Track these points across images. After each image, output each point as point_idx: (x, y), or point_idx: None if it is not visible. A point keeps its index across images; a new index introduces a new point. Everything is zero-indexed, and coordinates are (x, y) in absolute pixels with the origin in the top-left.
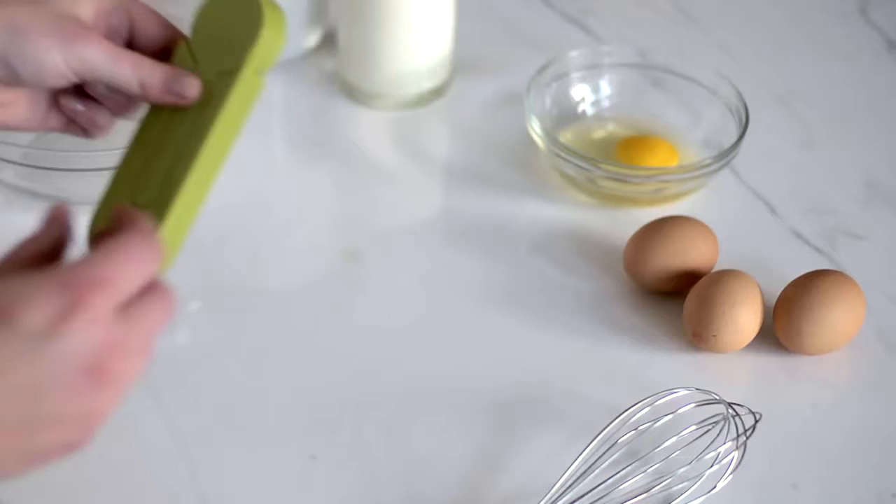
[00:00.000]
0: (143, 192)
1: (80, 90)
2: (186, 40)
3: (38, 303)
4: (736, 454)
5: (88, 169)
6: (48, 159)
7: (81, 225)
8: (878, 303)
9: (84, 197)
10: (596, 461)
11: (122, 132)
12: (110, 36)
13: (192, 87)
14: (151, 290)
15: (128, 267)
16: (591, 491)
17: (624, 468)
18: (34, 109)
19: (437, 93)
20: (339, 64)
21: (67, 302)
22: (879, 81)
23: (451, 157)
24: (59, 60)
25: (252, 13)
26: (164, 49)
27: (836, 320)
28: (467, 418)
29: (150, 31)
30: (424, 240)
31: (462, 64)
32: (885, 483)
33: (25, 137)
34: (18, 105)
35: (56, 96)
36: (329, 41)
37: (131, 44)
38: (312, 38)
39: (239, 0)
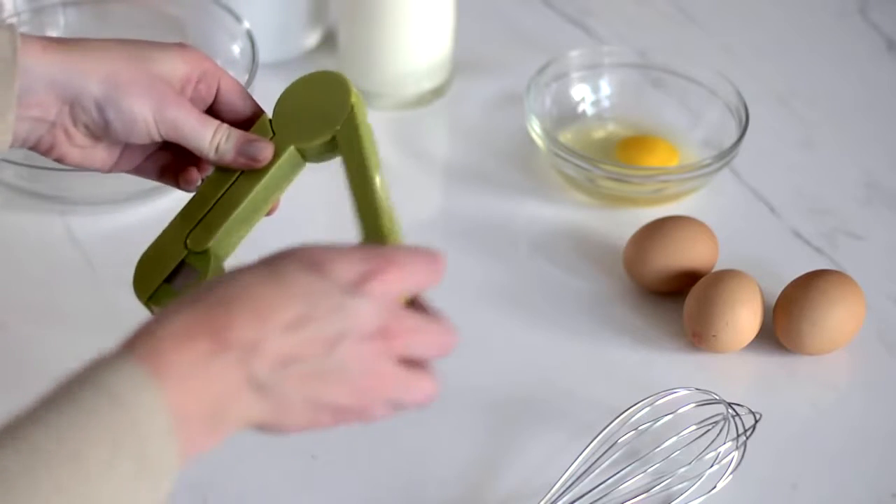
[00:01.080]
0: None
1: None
2: (267, 116)
3: (347, 264)
4: (736, 454)
5: (88, 169)
6: (48, 159)
7: (80, 224)
8: (878, 303)
9: (84, 197)
10: (596, 461)
11: None
12: (195, 102)
13: (265, 151)
14: (437, 317)
15: (417, 266)
16: (591, 491)
17: (624, 468)
18: (111, 155)
19: (437, 93)
20: (339, 64)
21: (369, 269)
22: (879, 81)
23: (451, 157)
24: (150, 120)
25: (340, 95)
26: (245, 122)
27: (836, 320)
28: (467, 418)
29: (234, 103)
30: (424, 240)
31: (462, 64)
32: (885, 483)
33: None
34: (96, 150)
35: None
36: (329, 41)
37: (214, 111)
38: (312, 38)
39: (326, 84)
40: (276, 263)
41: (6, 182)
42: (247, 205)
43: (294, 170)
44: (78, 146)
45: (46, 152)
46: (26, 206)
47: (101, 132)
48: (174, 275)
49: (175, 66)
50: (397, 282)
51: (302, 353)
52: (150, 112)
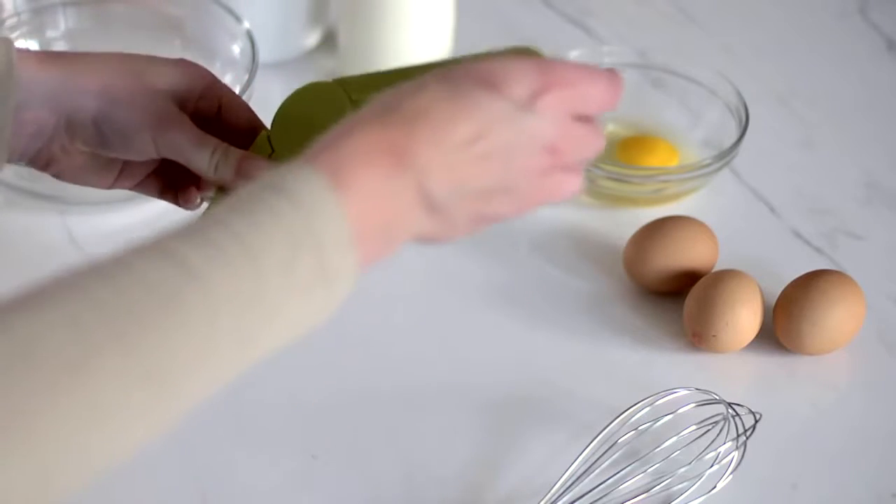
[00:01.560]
0: None
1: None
2: (267, 130)
3: (520, 80)
4: (736, 454)
5: (88, 185)
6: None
7: (80, 224)
8: (878, 303)
9: (84, 197)
10: (596, 461)
11: None
12: (195, 118)
13: (263, 171)
14: (594, 124)
15: (592, 86)
16: (591, 491)
17: (624, 468)
18: (110, 172)
19: None
20: (339, 64)
21: (542, 84)
22: (879, 81)
23: None
24: (147, 137)
25: (337, 106)
26: (246, 136)
27: (836, 320)
28: (467, 418)
29: (235, 119)
30: None
31: None
32: (885, 483)
33: None
34: (95, 166)
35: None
36: (329, 41)
37: (215, 126)
38: (312, 38)
39: (324, 95)
40: (456, 81)
41: (6, 182)
42: None
43: None
44: (76, 162)
45: (44, 167)
46: (26, 206)
47: (98, 148)
48: None
49: (175, 82)
50: (571, 98)
51: (476, 172)
52: (148, 129)
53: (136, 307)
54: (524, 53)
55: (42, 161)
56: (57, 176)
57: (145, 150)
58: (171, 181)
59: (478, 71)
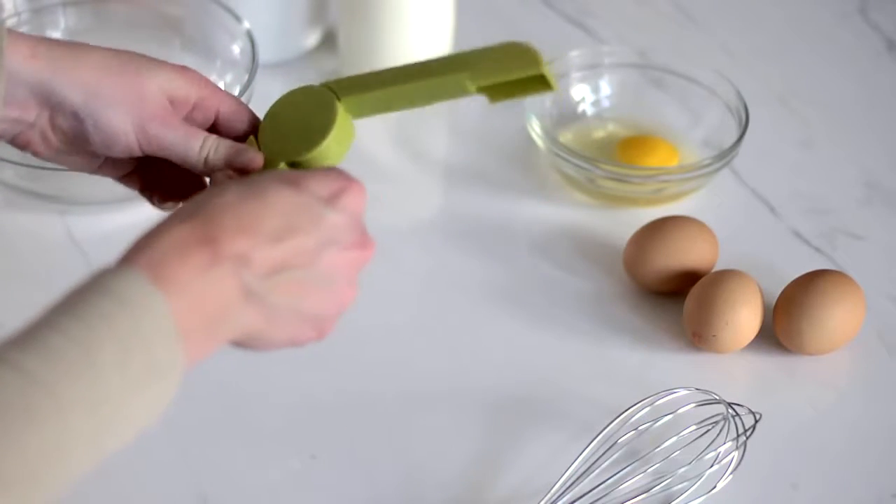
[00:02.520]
0: None
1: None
2: (256, 132)
3: (321, 181)
4: (736, 454)
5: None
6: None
7: (80, 224)
8: (878, 303)
9: (83, 197)
10: (596, 461)
11: None
12: (188, 122)
13: (255, 160)
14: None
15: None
16: (591, 491)
17: (624, 468)
18: (91, 163)
19: None
20: (339, 64)
21: (340, 186)
22: (879, 81)
23: (451, 157)
24: (130, 135)
25: (325, 106)
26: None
27: (836, 320)
28: (467, 418)
29: (232, 129)
30: (424, 240)
31: None
32: (885, 483)
33: None
34: (75, 156)
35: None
36: (329, 41)
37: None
38: (312, 38)
39: (312, 98)
40: (259, 181)
41: (6, 182)
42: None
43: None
44: (54, 150)
45: (23, 148)
46: (26, 206)
47: (79, 142)
48: None
49: (171, 86)
50: (362, 198)
51: (290, 261)
52: (132, 127)
53: None
54: (519, 48)
55: (21, 142)
56: (36, 156)
57: (128, 148)
58: (154, 180)
59: (280, 174)
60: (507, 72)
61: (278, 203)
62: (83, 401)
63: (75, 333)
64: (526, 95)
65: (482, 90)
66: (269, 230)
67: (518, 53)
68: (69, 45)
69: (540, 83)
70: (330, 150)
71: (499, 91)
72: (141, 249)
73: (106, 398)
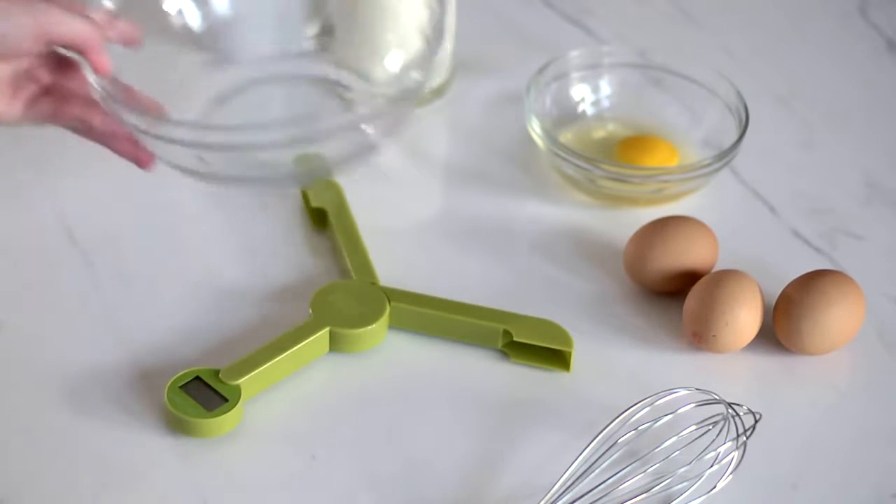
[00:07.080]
0: None
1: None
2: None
3: None
4: (736, 454)
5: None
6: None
7: (80, 224)
8: (878, 303)
9: (84, 196)
10: (596, 461)
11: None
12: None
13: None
14: None
15: None
16: (591, 491)
17: (624, 468)
18: (14, 101)
19: (437, 93)
20: (337, 60)
21: None
22: (879, 81)
23: (451, 157)
24: (24, 28)
25: (378, 305)
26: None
27: (836, 320)
28: (467, 418)
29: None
30: (424, 240)
31: (462, 64)
32: (885, 483)
33: None
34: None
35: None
36: (327, 36)
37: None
38: (310, 32)
39: (371, 293)
40: None
41: (8, 177)
42: (285, 357)
43: (322, 349)
44: None
45: None
46: (26, 205)
47: None
48: (199, 390)
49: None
50: None
51: None
52: (26, 20)
53: None
54: (556, 327)
55: None
56: None
57: (19, 41)
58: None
59: None
60: (543, 339)
61: None
62: None
63: None
64: (542, 365)
65: (509, 346)
66: None
67: (554, 330)
68: None
69: (560, 361)
70: (367, 335)
71: (522, 353)
72: None
73: None
